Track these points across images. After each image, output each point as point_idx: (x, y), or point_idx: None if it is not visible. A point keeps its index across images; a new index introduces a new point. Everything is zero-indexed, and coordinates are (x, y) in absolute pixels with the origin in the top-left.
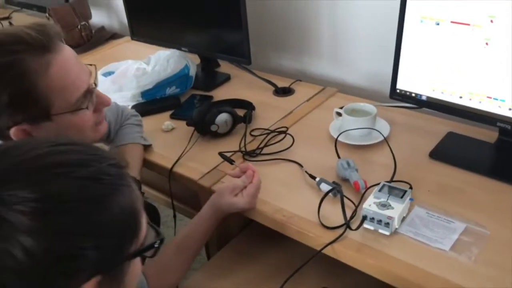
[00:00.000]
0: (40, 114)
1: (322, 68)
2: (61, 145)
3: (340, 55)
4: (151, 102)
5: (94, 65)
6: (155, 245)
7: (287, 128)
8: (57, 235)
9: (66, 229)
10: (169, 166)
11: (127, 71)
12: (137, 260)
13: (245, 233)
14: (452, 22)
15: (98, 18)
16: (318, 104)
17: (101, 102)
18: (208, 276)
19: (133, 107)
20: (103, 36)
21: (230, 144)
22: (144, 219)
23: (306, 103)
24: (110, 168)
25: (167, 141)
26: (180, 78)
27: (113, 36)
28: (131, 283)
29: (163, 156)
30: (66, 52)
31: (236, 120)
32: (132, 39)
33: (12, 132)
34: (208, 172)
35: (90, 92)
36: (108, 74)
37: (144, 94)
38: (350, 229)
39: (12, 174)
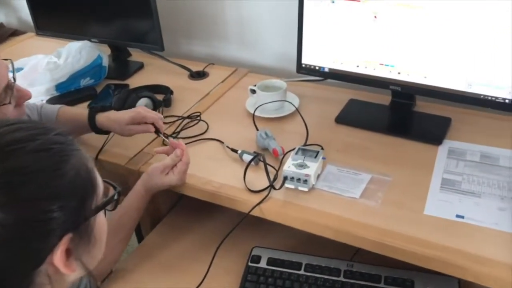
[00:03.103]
0: None
1: (232, 52)
2: (10, 125)
3: (248, 38)
4: (66, 95)
5: (10, 59)
6: (114, 198)
7: (200, 113)
8: (23, 204)
9: (30, 198)
10: (93, 154)
11: (38, 66)
12: (101, 214)
13: (175, 210)
14: None
15: None
16: (233, 85)
17: (22, 96)
18: (145, 254)
19: (48, 101)
20: (4, 33)
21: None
22: (98, 176)
23: (221, 84)
24: (57, 137)
25: None
26: (93, 68)
27: (14, 33)
28: (100, 235)
29: (86, 145)
30: None
31: (156, 104)
32: (38, 34)
33: None
34: (135, 156)
35: (10, 87)
36: (16, 70)
37: (58, 87)
38: (274, 188)
39: None
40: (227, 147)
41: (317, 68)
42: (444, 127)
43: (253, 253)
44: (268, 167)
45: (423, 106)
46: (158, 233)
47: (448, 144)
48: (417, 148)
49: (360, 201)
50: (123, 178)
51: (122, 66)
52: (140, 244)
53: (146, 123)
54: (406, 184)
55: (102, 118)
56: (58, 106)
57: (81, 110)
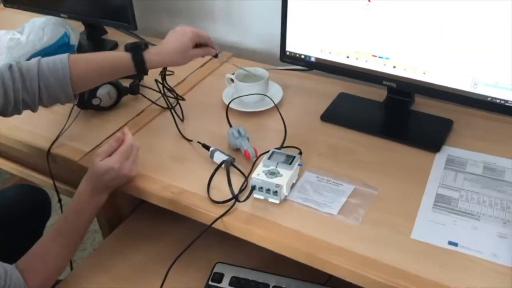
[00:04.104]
0: None
1: (217, 32)
2: None
3: (234, 18)
4: None
5: None
6: None
7: (178, 95)
8: None
9: None
10: (46, 147)
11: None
12: None
13: (137, 213)
14: None
15: None
16: (213, 70)
17: None
18: (96, 263)
19: None
20: None
21: (116, 119)
22: None
23: (200, 69)
24: None
25: (44, 118)
26: (59, 48)
27: None
28: None
29: (40, 135)
30: None
31: (120, 91)
32: (5, 6)
33: None
34: (90, 151)
35: None
36: None
37: None
38: (238, 201)
39: None
40: (198, 142)
41: (302, 57)
42: (444, 131)
43: (215, 269)
44: (237, 173)
45: (422, 104)
46: (113, 240)
47: (447, 151)
48: (411, 155)
49: (338, 219)
50: (77, 176)
51: (95, 45)
52: (93, 251)
53: (200, 44)
54: (394, 199)
55: (153, 55)
56: (64, 56)
57: (108, 53)
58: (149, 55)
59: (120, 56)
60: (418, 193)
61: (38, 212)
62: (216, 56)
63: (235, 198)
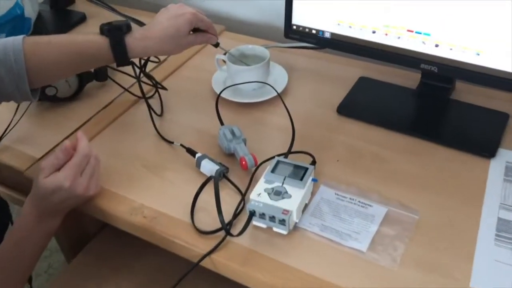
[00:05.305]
0: None
1: (207, 1)
2: None
3: None
4: None
5: None
6: None
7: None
8: None
9: None
10: None
11: None
12: None
13: (105, 232)
14: None
15: None
16: (200, 49)
17: None
18: None
19: None
20: None
21: (77, 113)
22: None
23: None
24: None
25: None
26: (10, 21)
27: None
28: None
29: None
30: None
31: (82, 78)
32: None
33: None
34: (42, 158)
35: None
36: None
37: None
38: (230, 235)
39: None
40: (181, 145)
41: (313, 32)
42: (497, 129)
43: None
44: (232, 188)
45: (464, 91)
46: (74, 269)
47: (505, 156)
48: (457, 161)
49: (368, 257)
50: (26, 189)
51: (60, 17)
52: (52, 282)
53: (199, 30)
54: (441, 226)
55: (137, 41)
56: (17, 39)
57: (77, 37)
58: (133, 40)
59: (94, 41)
60: (473, 217)
61: None
62: (217, 45)
63: (226, 230)
